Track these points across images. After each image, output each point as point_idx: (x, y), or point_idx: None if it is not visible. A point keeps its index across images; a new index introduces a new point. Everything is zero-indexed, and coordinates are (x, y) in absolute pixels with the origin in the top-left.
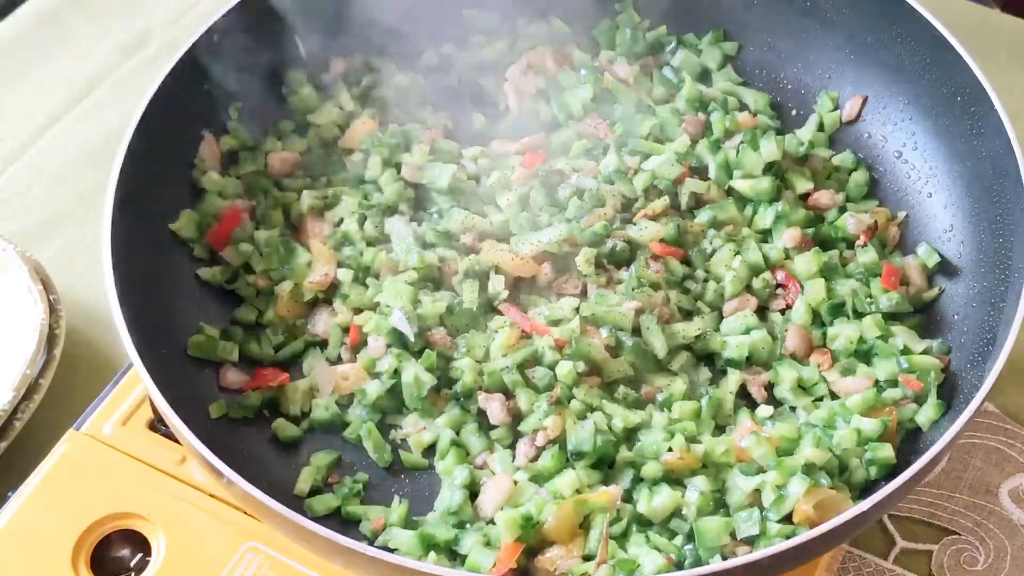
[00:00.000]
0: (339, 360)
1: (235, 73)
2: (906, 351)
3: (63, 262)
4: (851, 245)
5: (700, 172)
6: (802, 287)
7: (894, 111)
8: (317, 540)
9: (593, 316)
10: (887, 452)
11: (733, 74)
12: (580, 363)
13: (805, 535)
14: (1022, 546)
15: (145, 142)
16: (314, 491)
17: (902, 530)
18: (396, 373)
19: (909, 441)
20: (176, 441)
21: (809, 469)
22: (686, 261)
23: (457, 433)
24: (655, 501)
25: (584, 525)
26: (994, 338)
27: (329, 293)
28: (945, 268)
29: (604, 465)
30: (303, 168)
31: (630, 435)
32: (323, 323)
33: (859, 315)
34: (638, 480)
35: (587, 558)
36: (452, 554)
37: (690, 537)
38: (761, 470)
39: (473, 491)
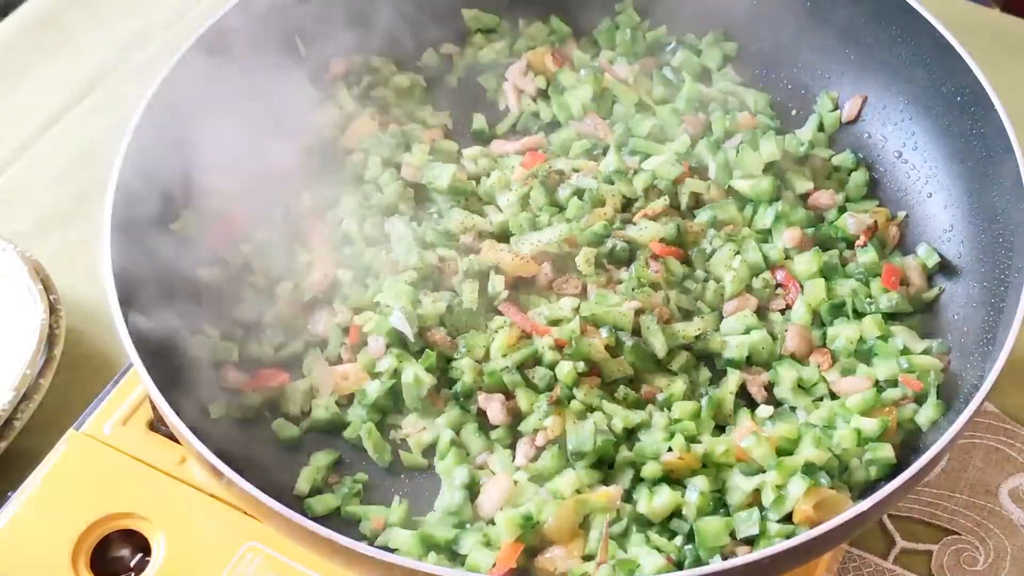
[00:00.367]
0: (339, 360)
1: (235, 73)
2: (906, 351)
3: (63, 262)
4: (851, 245)
5: (700, 172)
6: (802, 287)
7: (894, 111)
8: (317, 540)
9: (593, 316)
10: (887, 452)
11: (733, 74)
12: (580, 363)
13: (805, 535)
14: (1022, 546)
15: (145, 142)
16: (314, 491)
17: (902, 530)
18: (396, 373)
19: (909, 441)
20: (176, 441)
21: (809, 469)
22: (686, 261)
23: (457, 433)
24: (655, 501)
25: (584, 525)
26: (994, 338)
27: (329, 293)
28: (945, 268)
29: (604, 465)
30: (303, 168)
31: (630, 435)
32: (323, 323)
33: (859, 315)
34: (638, 480)
35: (587, 558)
36: (452, 554)
37: (690, 537)
38: (761, 470)
39: (473, 491)
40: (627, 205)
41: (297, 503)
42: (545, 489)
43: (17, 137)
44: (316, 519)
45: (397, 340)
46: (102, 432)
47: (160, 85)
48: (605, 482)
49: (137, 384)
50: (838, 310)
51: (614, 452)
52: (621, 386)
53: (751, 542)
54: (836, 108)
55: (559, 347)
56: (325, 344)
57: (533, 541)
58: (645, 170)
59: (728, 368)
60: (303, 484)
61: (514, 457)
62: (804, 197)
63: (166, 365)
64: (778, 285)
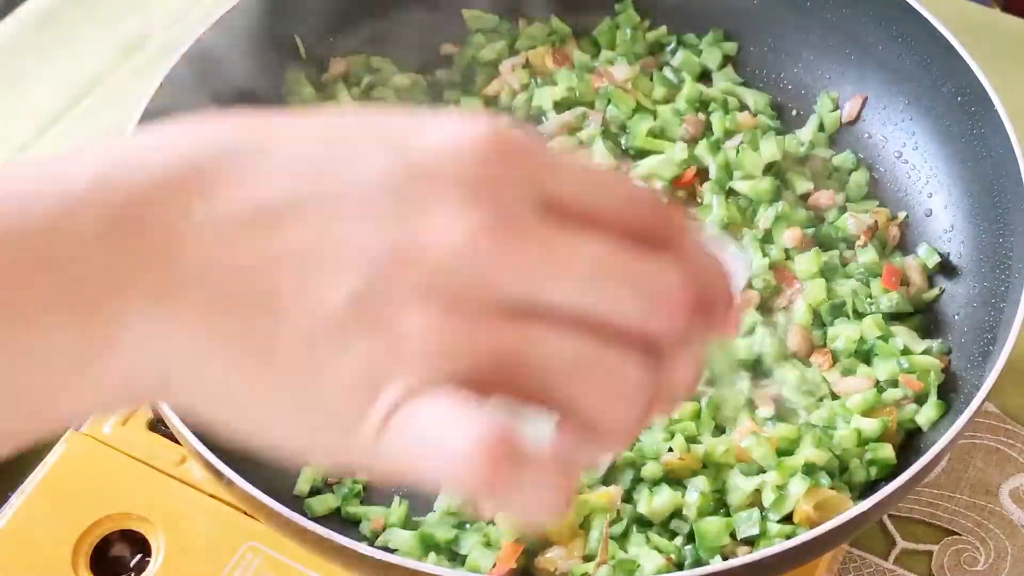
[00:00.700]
0: None
1: (235, 73)
2: (906, 351)
3: None
4: (851, 245)
5: (700, 173)
6: (803, 287)
7: (894, 111)
8: (317, 540)
9: None
10: (887, 452)
11: (733, 74)
12: None
13: (805, 535)
14: (1022, 546)
15: None
16: (314, 491)
17: (902, 530)
18: None
19: (909, 441)
20: (176, 441)
21: (809, 469)
22: None
23: None
24: (655, 501)
25: (584, 525)
26: (994, 338)
27: None
28: (945, 268)
29: None
30: None
31: None
32: None
33: (859, 315)
34: (638, 480)
35: (587, 558)
36: (452, 554)
37: (690, 537)
38: (761, 470)
39: None
40: None
41: (297, 503)
42: None
43: (17, 137)
44: (316, 519)
45: None
46: (102, 432)
47: (160, 85)
48: (605, 482)
49: None
50: (838, 310)
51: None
52: None
53: (751, 542)
54: (836, 108)
55: None
56: None
57: (533, 541)
58: (642, 167)
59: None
60: (303, 484)
61: None
62: (804, 197)
63: None
64: (778, 285)
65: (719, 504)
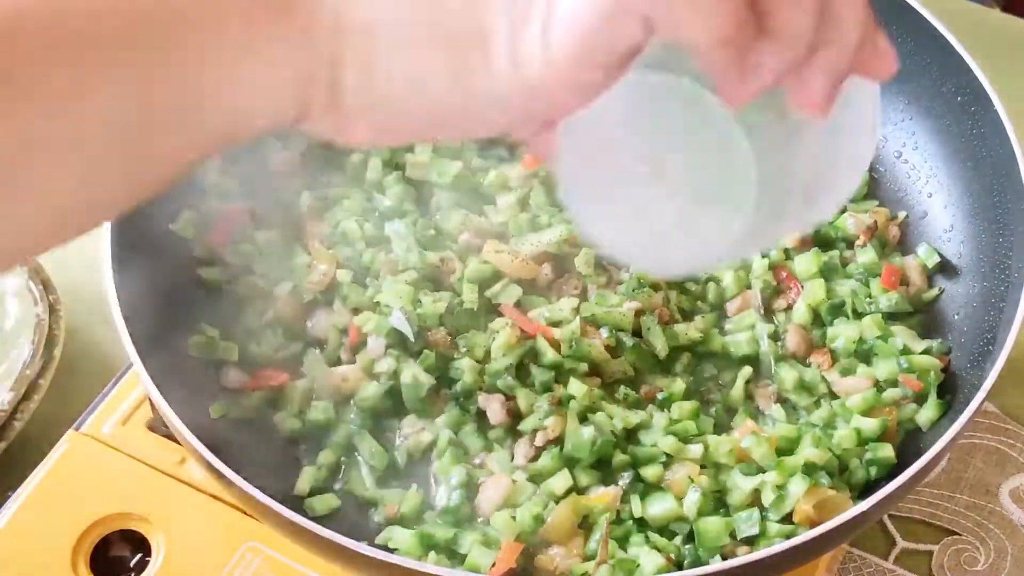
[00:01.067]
0: (338, 361)
1: None
2: (906, 351)
3: (63, 262)
4: (851, 245)
5: None
6: (802, 287)
7: (894, 111)
8: (317, 540)
9: (593, 317)
10: (887, 452)
11: None
12: (583, 364)
13: (805, 535)
14: (1022, 546)
15: None
16: (314, 491)
17: (902, 530)
18: (395, 375)
19: (909, 441)
20: (176, 441)
21: (809, 469)
22: None
23: (456, 433)
24: (652, 509)
25: (584, 525)
26: (994, 338)
27: (329, 294)
28: (945, 268)
29: (604, 465)
30: (303, 168)
31: (630, 435)
32: (323, 324)
33: (859, 315)
34: (638, 481)
35: (587, 558)
36: (452, 553)
37: (690, 537)
38: (761, 470)
39: (471, 491)
40: None
41: (297, 503)
42: (541, 489)
43: None
44: (316, 519)
45: (397, 340)
46: (102, 432)
47: None
48: (605, 482)
49: (137, 384)
50: (838, 310)
51: (613, 452)
52: (622, 386)
53: (751, 542)
54: None
55: (558, 348)
56: (324, 345)
57: (532, 541)
58: None
59: (739, 366)
60: (303, 484)
61: (513, 457)
62: None
63: (166, 365)
64: (778, 285)
65: (719, 504)
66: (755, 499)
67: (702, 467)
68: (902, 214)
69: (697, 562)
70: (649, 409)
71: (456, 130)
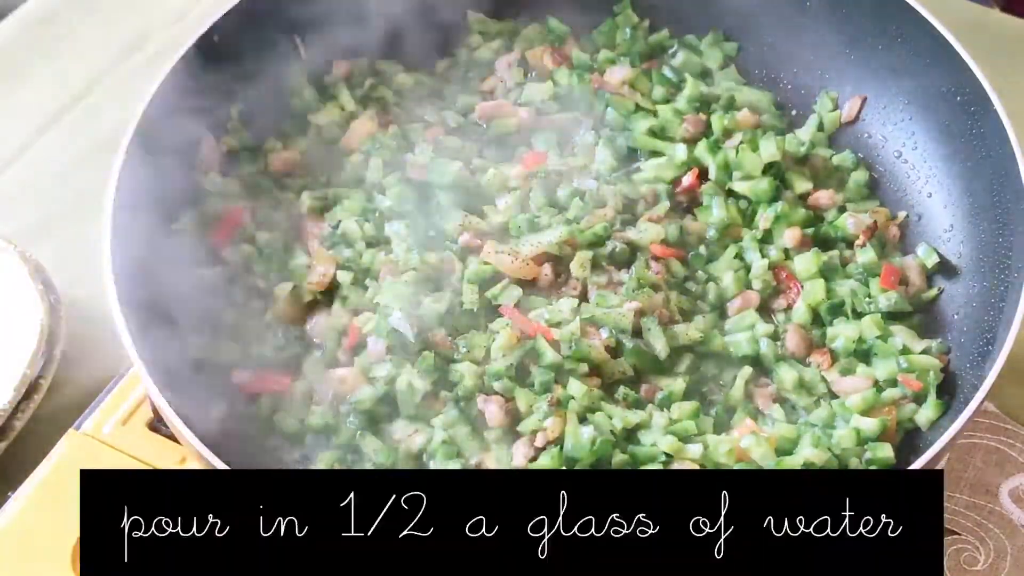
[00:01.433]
0: (337, 363)
1: (236, 73)
2: (906, 351)
3: (63, 262)
4: (851, 245)
5: (702, 175)
6: (802, 287)
7: (894, 111)
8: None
9: (593, 317)
10: (887, 452)
11: (735, 74)
12: (583, 365)
13: None
14: (1022, 546)
15: (145, 142)
16: None
17: None
18: (392, 379)
19: (909, 441)
20: (176, 441)
21: (809, 469)
22: (685, 262)
23: (452, 435)
24: None
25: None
26: (994, 338)
27: (328, 294)
28: (945, 268)
29: (603, 464)
30: (303, 168)
31: (630, 435)
32: (323, 325)
33: (859, 315)
34: None
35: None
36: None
37: None
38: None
39: None
40: (628, 206)
41: None
42: None
43: (17, 137)
44: None
45: (397, 341)
46: (102, 432)
47: (160, 85)
48: None
49: (137, 384)
50: (838, 310)
51: (612, 452)
52: (621, 386)
53: None
54: (836, 108)
55: (558, 348)
56: (324, 346)
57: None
58: (644, 170)
59: (739, 366)
60: None
61: (512, 458)
62: (804, 197)
63: (166, 365)
64: (778, 285)
65: None
66: None
67: (701, 467)
68: (902, 214)
69: None
70: (649, 409)
71: None
